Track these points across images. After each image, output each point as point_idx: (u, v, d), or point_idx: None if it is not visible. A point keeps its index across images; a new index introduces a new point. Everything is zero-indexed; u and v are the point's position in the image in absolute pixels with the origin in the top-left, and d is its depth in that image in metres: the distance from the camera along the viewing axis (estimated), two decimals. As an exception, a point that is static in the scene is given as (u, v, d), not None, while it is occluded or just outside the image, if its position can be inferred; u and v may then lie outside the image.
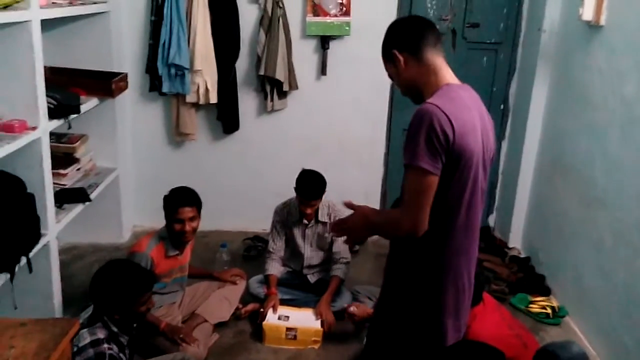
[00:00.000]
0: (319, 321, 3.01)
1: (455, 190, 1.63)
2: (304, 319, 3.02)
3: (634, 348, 2.66)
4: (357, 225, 1.78)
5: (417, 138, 1.55)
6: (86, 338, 2.14)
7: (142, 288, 2.29)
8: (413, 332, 1.79)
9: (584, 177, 3.20)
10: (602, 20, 3.02)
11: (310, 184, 3.12)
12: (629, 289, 2.72)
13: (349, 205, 1.84)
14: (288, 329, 2.94)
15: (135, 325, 2.37)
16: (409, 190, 1.60)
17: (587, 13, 3.10)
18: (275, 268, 3.24)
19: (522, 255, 3.94)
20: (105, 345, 2.14)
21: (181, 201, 2.79)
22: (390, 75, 1.81)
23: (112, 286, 2.25)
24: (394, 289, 1.82)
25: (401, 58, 1.72)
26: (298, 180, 3.15)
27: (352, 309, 2.96)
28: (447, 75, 1.72)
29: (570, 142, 3.39)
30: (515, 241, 4.07)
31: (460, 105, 1.63)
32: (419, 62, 1.71)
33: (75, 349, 2.08)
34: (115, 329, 2.23)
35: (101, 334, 2.17)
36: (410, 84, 1.75)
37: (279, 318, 3.01)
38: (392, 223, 1.67)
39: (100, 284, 2.28)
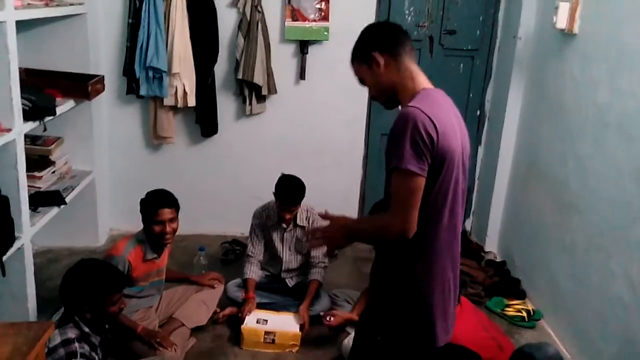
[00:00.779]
0: (297, 325, 3.01)
1: (439, 191, 1.65)
2: (283, 323, 3.02)
3: (607, 350, 2.71)
4: (336, 234, 1.77)
5: (402, 141, 1.57)
6: (57, 338, 2.13)
7: (113, 287, 2.28)
8: (403, 335, 1.79)
9: (557, 182, 3.26)
10: (576, 29, 3.09)
11: (290, 190, 3.12)
12: (602, 293, 2.78)
13: (324, 216, 1.85)
14: (266, 333, 2.94)
15: (107, 326, 2.35)
16: (396, 193, 1.61)
17: (561, 21, 3.16)
18: (253, 272, 3.23)
19: (498, 259, 4.00)
20: (76, 345, 2.13)
21: (160, 202, 2.77)
22: (361, 79, 1.81)
23: (82, 285, 2.24)
24: (382, 292, 1.82)
25: (381, 60, 1.72)
26: (277, 185, 3.15)
27: (328, 319, 2.94)
28: (423, 80, 1.74)
29: (545, 148, 3.45)
30: (491, 245, 4.12)
31: (440, 107, 1.66)
32: (398, 66, 1.73)
33: (46, 349, 2.05)
34: (86, 329, 2.22)
35: (72, 334, 2.16)
36: (386, 87, 1.76)
37: (257, 322, 3.00)
38: (381, 227, 1.67)
39: (70, 282, 2.26)
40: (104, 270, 2.34)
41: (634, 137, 2.58)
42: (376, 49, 1.73)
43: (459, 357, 2.13)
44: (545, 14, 3.46)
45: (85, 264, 2.37)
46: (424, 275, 1.74)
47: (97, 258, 2.68)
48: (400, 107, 1.75)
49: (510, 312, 3.37)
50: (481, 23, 4.00)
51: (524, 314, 3.33)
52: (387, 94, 1.78)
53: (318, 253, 3.25)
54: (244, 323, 2.98)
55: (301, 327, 3.00)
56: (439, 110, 1.64)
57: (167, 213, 2.76)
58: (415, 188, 1.58)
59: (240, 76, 3.75)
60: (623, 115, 2.68)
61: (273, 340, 2.94)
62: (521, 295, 3.54)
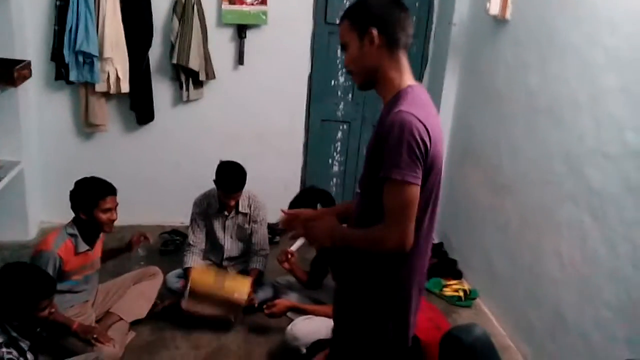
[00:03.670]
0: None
1: (425, 196, 1.59)
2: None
3: (540, 325, 2.83)
4: (322, 234, 1.71)
5: (398, 150, 1.49)
6: None
7: (41, 294, 2.17)
8: (383, 338, 1.74)
9: (491, 165, 3.36)
10: (508, 15, 3.17)
11: (231, 177, 3.08)
12: (534, 270, 2.89)
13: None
14: (217, 275, 2.96)
15: (39, 329, 2.25)
16: (393, 205, 1.53)
17: (494, 8, 3.24)
18: (194, 261, 3.17)
19: (436, 241, 4.09)
20: (4, 350, 2.05)
21: (107, 190, 2.70)
22: (345, 44, 1.66)
23: (8, 293, 2.13)
24: (359, 299, 1.75)
25: (377, 41, 1.59)
26: (218, 172, 3.10)
27: (269, 309, 2.93)
28: (409, 77, 1.65)
29: (479, 132, 3.55)
30: (430, 227, 4.20)
31: (430, 111, 1.60)
32: (391, 54, 1.62)
33: None
34: (14, 334, 2.13)
35: None
36: (369, 68, 1.63)
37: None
38: (377, 241, 1.58)
39: None
40: (31, 275, 2.22)
41: (563, 121, 2.69)
42: (377, 26, 1.59)
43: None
44: (479, 1, 3.53)
45: (10, 270, 2.23)
46: (405, 280, 1.70)
47: (23, 262, 2.53)
48: (379, 94, 1.68)
49: (448, 292, 3.47)
50: (417, 9, 4.04)
51: (461, 293, 3.44)
52: (366, 75, 1.65)
53: (259, 240, 3.23)
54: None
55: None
56: (428, 113, 1.58)
57: (113, 201, 2.71)
58: (412, 199, 1.52)
59: (175, 61, 3.65)
60: (553, 100, 2.78)
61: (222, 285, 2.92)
62: (458, 275, 3.65)
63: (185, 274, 3.13)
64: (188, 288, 2.93)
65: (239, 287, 2.96)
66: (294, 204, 2.88)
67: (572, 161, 2.62)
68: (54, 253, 2.58)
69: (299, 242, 3.09)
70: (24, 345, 2.15)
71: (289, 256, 2.99)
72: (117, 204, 2.75)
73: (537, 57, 2.93)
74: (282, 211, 1.98)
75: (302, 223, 1.79)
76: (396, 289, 1.71)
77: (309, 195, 2.99)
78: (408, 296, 1.73)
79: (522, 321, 2.99)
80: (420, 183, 1.53)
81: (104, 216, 2.68)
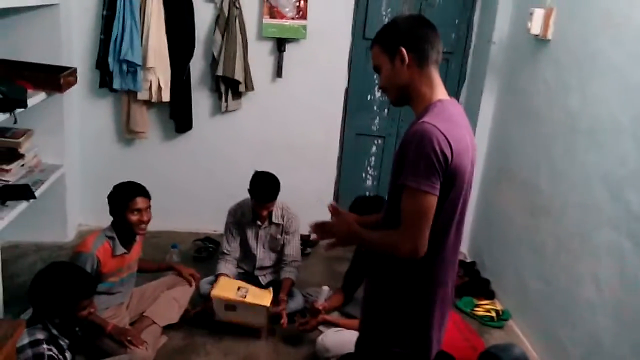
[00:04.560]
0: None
1: (448, 209, 1.62)
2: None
3: (574, 350, 2.77)
4: (342, 233, 1.74)
5: (417, 159, 1.53)
6: (25, 338, 2.09)
7: (83, 293, 2.24)
8: (402, 349, 1.75)
9: (529, 185, 3.32)
10: (549, 35, 3.15)
11: (264, 187, 3.11)
12: (570, 294, 2.84)
13: (334, 210, 1.80)
14: (239, 288, 2.97)
15: (77, 328, 2.31)
16: (408, 212, 1.57)
17: (535, 27, 3.22)
18: (227, 268, 3.21)
19: (468, 260, 4.05)
20: (45, 346, 2.10)
21: (136, 191, 2.76)
22: (377, 65, 1.73)
23: (52, 290, 2.19)
24: (381, 307, 1.78)
25: (407, 59, 1.65)
26: (252, 182, 3.14)
27: (302, 323, 2.95)
28: (440, 91, 1.69)
29: (517, 151, 3.51)
30: (462, 246, 4.13)
31: (455, 124, 1.62)
32: (421, 71, 1.67)
33: None
34: (55, 332, 2.19)
35: (41, 335, 2.13)
36: (401, 86, 1.69)
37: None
38: (391, 245, 1.62)
39: (40, 287, 2.22)
40: (74, 275, 2.29)
41: (604, 144, 2.65)
42: (405, 45, 1.65)
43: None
44: (520, 20, 3.52)
45: (56, 268, 2.31)
46: (426, 291, 1.71)
47: (67, 261, 2.61)
48: (412, 109, 1.71)
49: (480, 312, 3.42)
50: (456, 26, 4.05)
51: (493, 314, 3.38)
52: (399, 92, 1.71)
53: (292, 251, 3.25)
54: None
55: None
56: (454, 126, 1.60)
57: (143, 202, 2.76)
58: (427, 208, 1.55)
59: (220, 72, 3.71)
60: (594, 121, 2.74)
61: (245, 295, 2.93)
62: (490, 295, 3.60)
63: (216, 280, 3.17)
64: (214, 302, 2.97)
65: (261, 296, 2.97)
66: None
67: (613, 184, 2.57)
68: (93, 254, 2.65)
69: (324, 294, 3.11)
70: (64, 343, 2.21)
71: (322, 310, 2.96)
72: (148, 206, 2.80)
73: (578, 78, 2.89)
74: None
75: (320, 227, 1.82)
76: (416, 300, 1.72)
77: (364, 203, 2.94)
78: (429, 309, 1.73)
79: (555, 345, 2.93)
80: (437, 193, 1.55)
81: (133, 217, 2.74)
